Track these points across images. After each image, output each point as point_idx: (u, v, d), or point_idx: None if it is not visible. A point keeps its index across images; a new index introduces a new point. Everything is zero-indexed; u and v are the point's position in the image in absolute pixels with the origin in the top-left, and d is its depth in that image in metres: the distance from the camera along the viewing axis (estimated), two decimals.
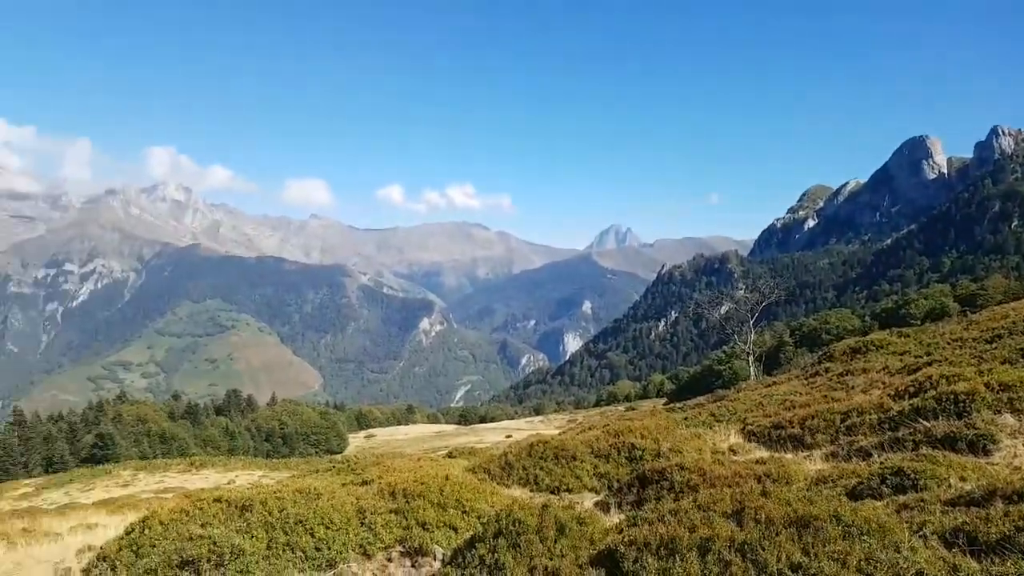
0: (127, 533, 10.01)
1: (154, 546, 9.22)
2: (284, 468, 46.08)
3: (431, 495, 11.49)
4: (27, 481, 55.56)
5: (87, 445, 73.29)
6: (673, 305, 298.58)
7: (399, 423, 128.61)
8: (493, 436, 68.34)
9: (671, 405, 43.25)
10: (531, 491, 13.72)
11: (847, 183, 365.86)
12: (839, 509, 6.79)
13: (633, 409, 67.32)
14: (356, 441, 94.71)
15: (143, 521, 10.10)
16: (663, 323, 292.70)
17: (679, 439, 15.30)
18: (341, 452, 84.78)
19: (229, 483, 38.55)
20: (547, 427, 78.47)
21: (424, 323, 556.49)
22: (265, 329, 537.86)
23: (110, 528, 14.60)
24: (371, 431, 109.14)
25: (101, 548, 10.14)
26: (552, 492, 13.47)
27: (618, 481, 13.04)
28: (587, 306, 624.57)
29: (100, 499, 33.66)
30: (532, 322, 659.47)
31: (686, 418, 21.58)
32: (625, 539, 7.24)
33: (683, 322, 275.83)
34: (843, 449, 12.88)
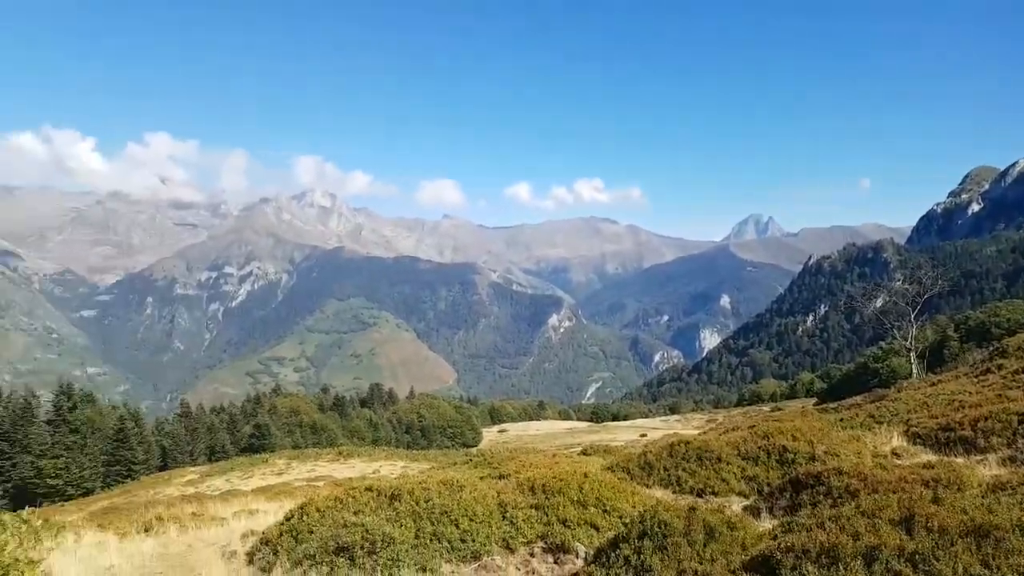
0: (286, 519, 10.63)
1: (312, 532, 9.73)
2: (423, 459, 47.58)
3: (570, 492, 11.52)
4: (193, 468, 60.37)
5: (246, 435, 77.91)
6: (822, 298, 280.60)
7: (530, 419, 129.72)
8: (627, 435, 67.36)
9: (823, 405, 40.88)
10: (673, 492, 13.34)
11: (1016, 163, 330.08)
12: None
13: (779, 409, 64.09)
14: (489, 435, 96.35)
15: (301, 508, 10.69)
16: (811, 318, 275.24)
17: (835, 442, 14.40)
18: (476, 445, 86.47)
19: (374, 472, 40.28)
20: (685, 427, 76.42)
21: (553, 319, 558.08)
22: (403, 325, 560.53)
23: (269, 514, 15.45)
24: (503, 426, 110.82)
25: (263, 533, 10.82)
26: (696, 494, 13.07)
27: (768, 485, 12.45)
28: (725, 300, 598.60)
29: (258, 486, 35.98)
30: (665, 317, 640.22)
31: (841, 419, 20.29)
32: (781, 545, 6.90)
33: (833, 316, 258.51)
34: (1022, 453, 11.74)
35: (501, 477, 17.97)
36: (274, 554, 9.59)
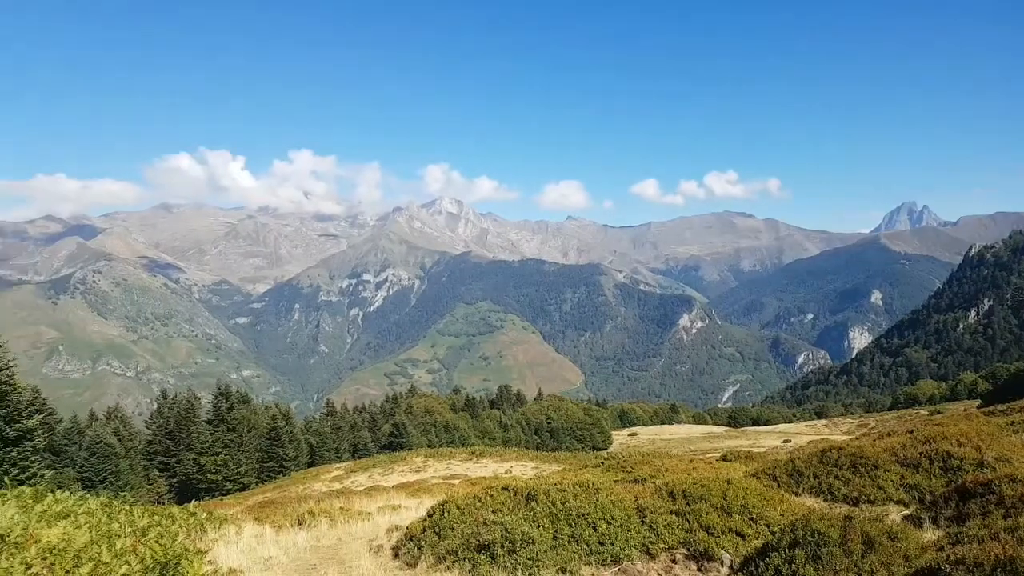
0: (428, 516, 10.88)
1: (453, 529, 9.91)
2: (553, 461, 47.58)
3: (713, 498, 11.18)
4: (338, 465, 63.23)
5: (385, 433, 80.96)
6: (985, 292, 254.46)
7: (662, 422, 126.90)
8: (769, 440, 64.34)
9: (988, 408, 37.32)
10: (825, 501, 12.63)
11: None
12: None
13: (939, 412, 59.06)
14: (619, 438, 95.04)
15: (442, 505, 10.91)
16: (973, 313, 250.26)
17: (1006, 447, 13.08)
18: (605, 449, 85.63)
19: (506, 472, 40.71)
20: (833, 432, 72.10)
21: (684, 320, 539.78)
22: (529, 328, 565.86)
23: (411, 509, 15.91)
24: (634, 429, 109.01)
25: (407, 528, 11.13)
26: (850, 503, 12.30)
27: (931, 493, 11.53)
28: (876, 296, 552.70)
29: (399, 482, 37.21)
30: (809, 316, 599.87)
31: (1012, 423, 18.34)
32: (950, 558, 6.40)
33: (999, 311, 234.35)
34: None
35: (636, 481, 17.65)
36: (418, 549, 9.85)
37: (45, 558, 5.81)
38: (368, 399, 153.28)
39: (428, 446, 73.65)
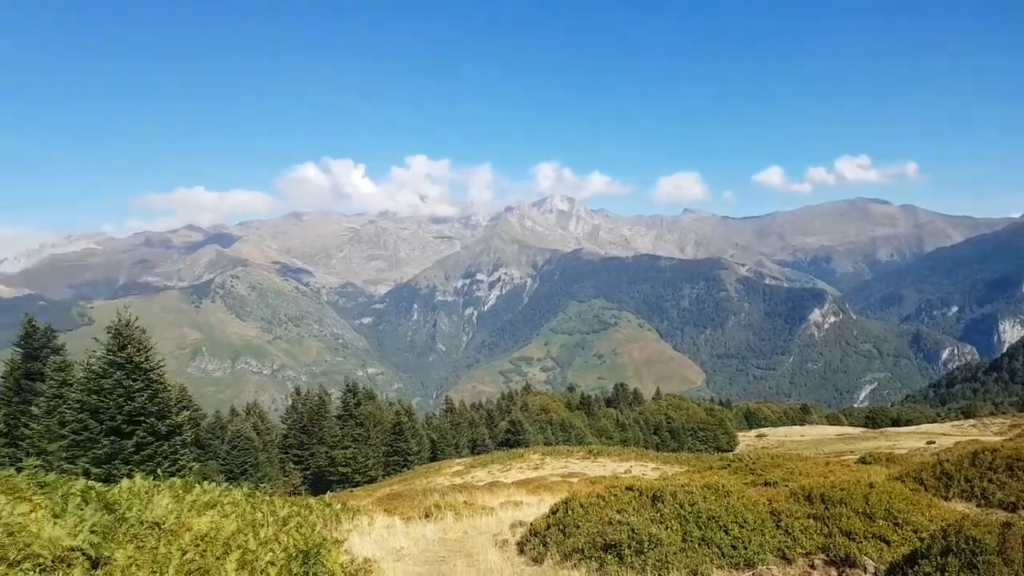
0: (552, 513, 10.83)
1: (578, 527, 9.81)
2: (675, 462, 46.48)
3: (854, 502, 10.54)
4: (458, 460, 64.56)
5: (502, 430, 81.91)
6: None
7: (792, 423, 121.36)
8: (910, 441, 60.08)
9: None
10: (978, 506, 11.64)
11: None
12: None
13: None
14: (745, 440, 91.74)
15: (565, 503, 10.83)
16: None
17: None
18: (730, 450, 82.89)
19: (625, 472, 40.17)
20: (982, 432, 66.61)
21: (814, 314, 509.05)
22: (645, 325, 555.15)
23: (532, 506, 15.96)
24: (761, 430, 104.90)
25: (531, 525, 11.12)
26: (1007, 508, 11.29)
27: None
28: None
29: (517, 479, 37.48)
30: (954, 309, 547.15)
31: None
32: None
33: None
34: None
35: (768, 484, 16.92)
36: (543, 546, 9.82)
37: (197, 545, 6.17)
38: (484, 396, 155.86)
39: (544, 444, 73.88)
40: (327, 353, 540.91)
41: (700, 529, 9.67)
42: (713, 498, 10.56)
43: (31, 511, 6.07)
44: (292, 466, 68.40)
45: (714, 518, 9.90)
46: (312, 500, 15.18)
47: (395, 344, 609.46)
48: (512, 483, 31.70)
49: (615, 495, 10.73)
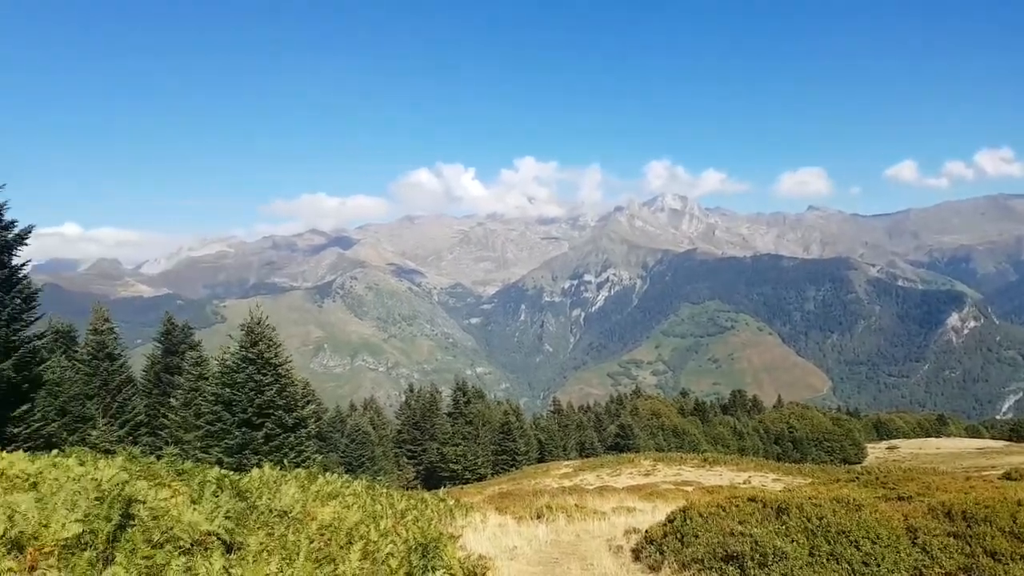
0: (669, 521, 10.52)
1: (696, 536, 9.48)
2: (798, 473, 44.35)
3: (999, 521, 9.73)
4: (566, 462, 64.51)
5: (611, 434, 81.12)
6: None
7: (927, 435, 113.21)
8: None
9: None
10: None
11: None
12: None
13: None
14: (875, 452, 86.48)
15: (683, 511, 10.50)
16: None
17: None
18: (858, 462, 78.42)
19: (744, 482, 38.72)
20: None
21: (952, 318, 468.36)
22: (764, 329, 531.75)
23: (646, 513, 15.63)
24: (892, 442, 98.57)
25: (646, 532, 10.85)
26: None
27: None
28: None
29: (628, 485, 36.94)
30: None
31: None
32: None
33: None
34: None
35: (902, 499, 15.84)
36: (660, 554, 9.56)
37: (322, 534, 6.40)
38: (592, 399, 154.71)
39: (656, 449, 72.62)
40: (438, 352, 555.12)
41: (829, 544, 9.15)
42: (843, 512, 9.99)
43: (171, 496, 6.49)
44: (406, 461, 70.63)
45: (844, 532, 9.35)
46: (427, 495, 15.52)
47: (502, 344, 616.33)
48: (623, 488, 31.32)
49: (736, 505, 10.30)
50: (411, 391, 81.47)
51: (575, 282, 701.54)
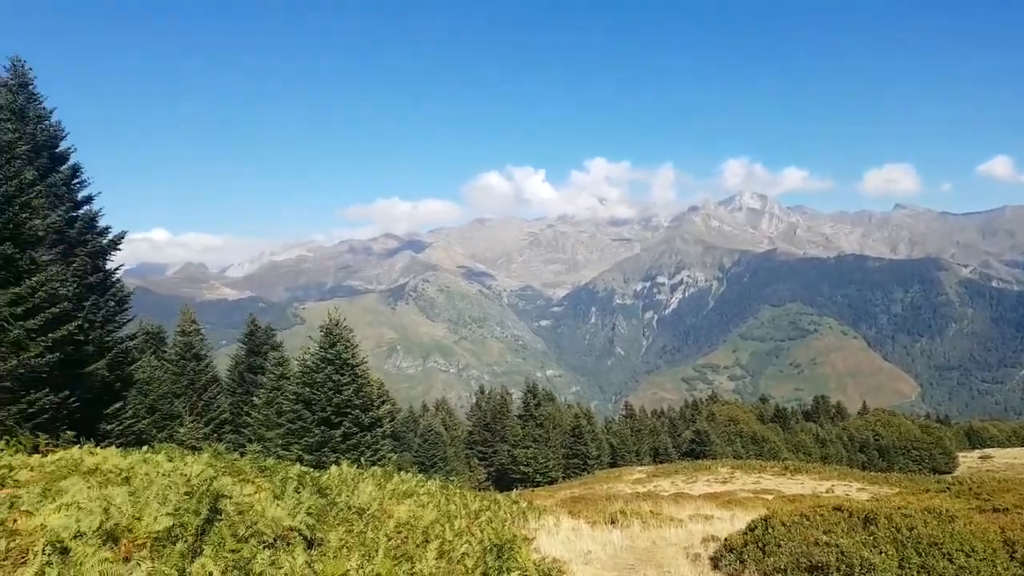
0: (750, 529, 10.23)
1: (779, 545, 9.18)
2: (884, 483, 42.45)
3: None
4: (639, 468, 63.69)
5: (686, 440, 79.81)
6: None
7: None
8: None
9: None
10: None
11: None
12: None
13: None
14: (967, 461, 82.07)
15: (765, 520, 10.18)
16: None
17: None
18: (949, 472, 74.60)
19: (827, 491, 37.32)
20: None
21: None
22: (849, 332, 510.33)
23: (724, 521, 15.28)
24: (986, 451, 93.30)
25: (725, 540, 10.58)
26: None
27: None
28: None
29: (704, 492, 36.11)
30: None
31: None
32: None
33: None
34: None
35: (998, 510, 15.03)
36: (740, 563, 9.30)
37: (399, 532, 6.50)
38: (666, 403, 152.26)
39: (733, 457, 71.03)
40: (508, 354, 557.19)
41: (920, 556, 8.70)
42: (935, 523, 9.49)
43: (255, 492, 6.72)
44: (477, 462, 71.18)
45: (936, 544, 8.88)
46: (499, 496, 15.58)
47: (572, 347, 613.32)
48: (699, 496, 30.68)
49: (821, 514, 9.91)
50: (481, 393, 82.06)
51: (647, 284, 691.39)
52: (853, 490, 38.08)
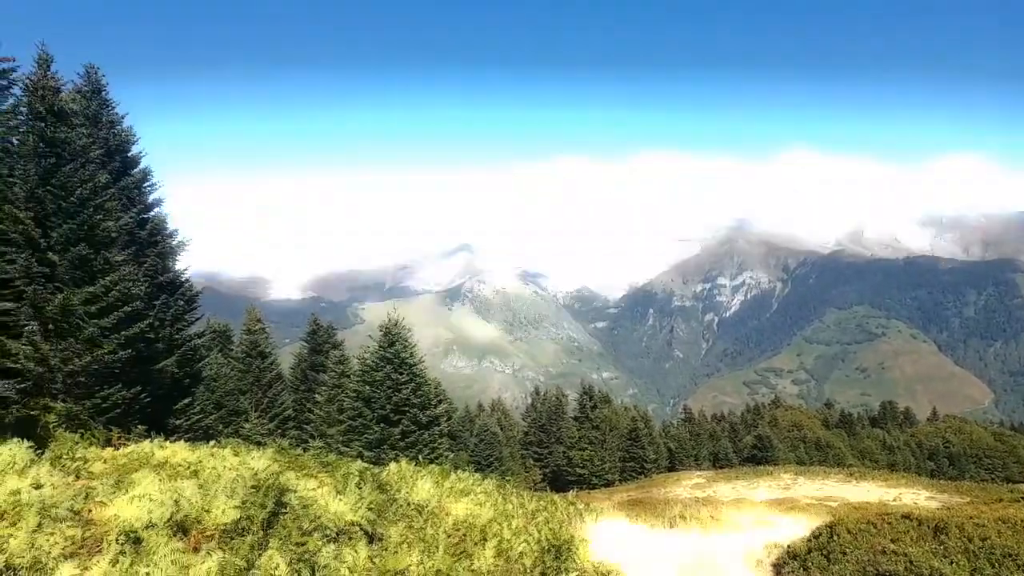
0: (814, 537, 10.00)
1: (844, 553, 8.94)
2: (954, 491, 40.72)
3: None
4: (697, 472, 62.60)
5: (748, 445, 78.34)
6: None
7: None
8: None
9: None
10: None
11: None
12: None
13: None
14: None
15: (830, 527, 9.93)
16: None
17: None
18: (1023, 482, 71.31)
19: (894, 500, 36.03)
20: None
21: None
22: (919, 336, 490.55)
23: (786, 527, 14.91)
24: None
25: (788, 546, 10.36)
26: None
27: None
28: None
29: (766, 498, 35.36)
30: None
31: None
32: None
33: None
34: None
35: None
36: (804, 570, 9.09)
37: (457, 529, 6.59)
38: (726, 407, 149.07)
39: (796, 463, 69.31)
40: (563, 355, 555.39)
41: (993, 567, 8.35)
42: (1009, 533, 9.09)
43: (318, 487, 6.92)
44: (532, 462, 71.21)
45: (1011, 556, 8.50)
46: (556, 497, 15.58)
47: (629, 349, 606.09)
48: (761, 501, 30.06)
49: (889, 523, 9.61)
50: (537, 394, 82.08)
51: (707, 285, 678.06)
52: (921, 498, 36.70)
